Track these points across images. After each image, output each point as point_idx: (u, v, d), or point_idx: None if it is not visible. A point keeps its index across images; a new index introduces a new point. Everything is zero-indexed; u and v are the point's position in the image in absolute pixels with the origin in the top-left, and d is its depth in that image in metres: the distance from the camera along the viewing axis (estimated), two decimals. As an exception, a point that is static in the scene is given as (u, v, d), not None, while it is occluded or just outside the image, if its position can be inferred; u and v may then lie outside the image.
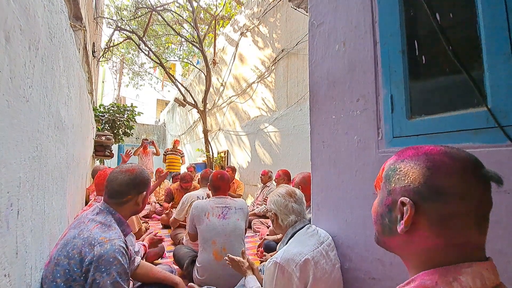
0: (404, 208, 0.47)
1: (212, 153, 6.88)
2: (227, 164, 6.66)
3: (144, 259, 1.99)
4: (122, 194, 1.18)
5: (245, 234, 2.29)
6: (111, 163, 5.99)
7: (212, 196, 2.17)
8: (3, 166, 0.63)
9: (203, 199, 2.64)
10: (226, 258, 1.43)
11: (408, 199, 0.47)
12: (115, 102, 6.34)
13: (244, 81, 6.36)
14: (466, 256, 0.45)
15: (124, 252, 1.04)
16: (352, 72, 1.37)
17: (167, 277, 1.49)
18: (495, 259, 0.47)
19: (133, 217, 2.23)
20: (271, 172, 4.13)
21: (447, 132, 0.98)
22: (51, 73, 1.02)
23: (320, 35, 1.57)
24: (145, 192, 1.25)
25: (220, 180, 2.15)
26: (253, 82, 5.93)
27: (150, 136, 12.92)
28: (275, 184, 3.95)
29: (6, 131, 0.64)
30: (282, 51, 4.94)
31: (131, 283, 1.27)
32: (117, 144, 10.28)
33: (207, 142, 6.79)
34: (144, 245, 1.88)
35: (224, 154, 6.98)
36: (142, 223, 2.40)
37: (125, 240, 1.11)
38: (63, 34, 1.17)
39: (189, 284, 1.45)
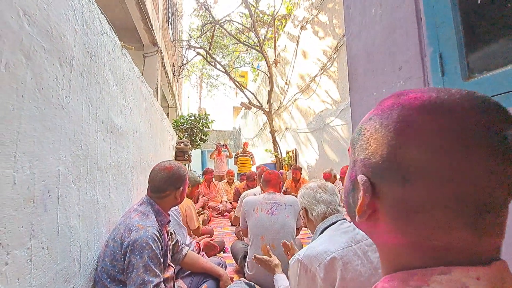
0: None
1: (281, 153, 6.90)
2: (296, 163, 6.56)
3: (204, 253, 2.15)
4: (161, 190, 1.30)
5: (299, 232, 2.18)
6: (190, 166, 6.76)
7: (263, 192, 2.16)
8: (36, 159, 0.78)
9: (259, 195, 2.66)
10: (253, 258, 1.40)
11: (365, 179, 0.32)
12: (192, 113, 7.14)
13: (307, 75, 6.17)
14: (446, 259, 0.28)
15: (156, 239, 1.14)
16: (391, 36, 1.13)
17: (212, 268, 1.56)
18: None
19: (194, 215, 2.44)
20: (333, 171, 3.86)
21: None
22: (95, 86, 1.22)
23: (355, 2, 1.38)
24: (181, 188, 1.35)
25: (270, 174, 2.16)
26: (316, 75, 5.67)
27: (227, 141, 13.99)
28: (341, 183, 3.66)
29: (39, 132, 0.80)
30: (344, 36, 4.54)
31: (172, 269, 1.37)
32: (200, 150, 11.46)
33: (274, 142, 6.87)
34: (198, 243, 2.04)
35: (293, 153, 6.90)
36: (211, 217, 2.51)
37: (160, 229, 1.22)
38: (109, 53, 1.39)
39: (230, 276, 1.48)
